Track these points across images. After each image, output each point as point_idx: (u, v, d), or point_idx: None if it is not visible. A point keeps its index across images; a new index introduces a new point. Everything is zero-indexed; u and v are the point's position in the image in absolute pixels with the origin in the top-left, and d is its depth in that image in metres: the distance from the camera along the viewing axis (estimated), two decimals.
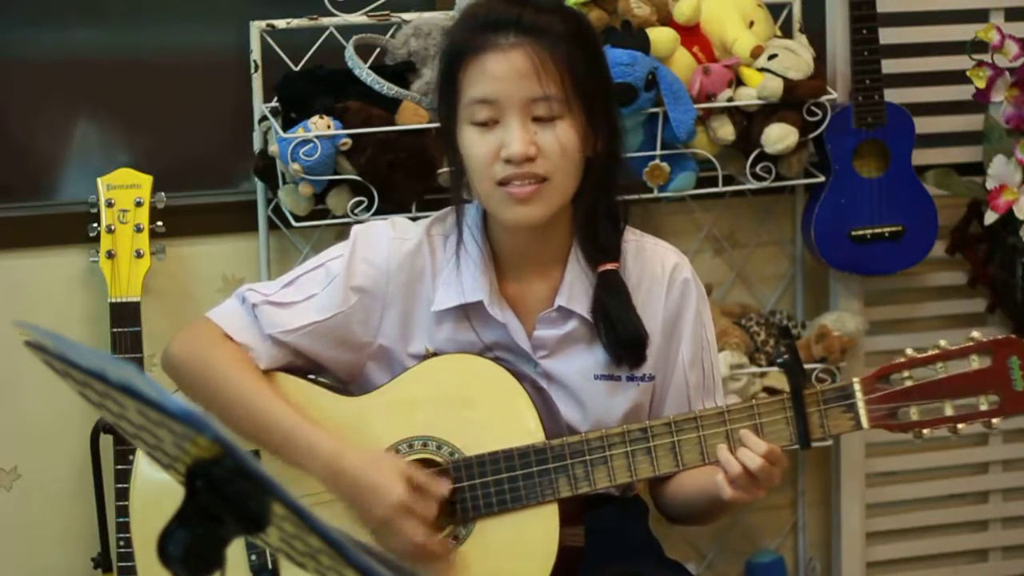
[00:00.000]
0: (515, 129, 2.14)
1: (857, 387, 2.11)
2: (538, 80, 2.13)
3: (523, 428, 2.19)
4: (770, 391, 3.23)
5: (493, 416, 2.21)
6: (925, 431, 2.11)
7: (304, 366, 2.30)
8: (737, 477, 2.09)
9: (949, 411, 2.11)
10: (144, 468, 2.34)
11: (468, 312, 2.26)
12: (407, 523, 2.12)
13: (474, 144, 2.17)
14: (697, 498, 2.26)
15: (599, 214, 2.25)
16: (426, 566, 2.17)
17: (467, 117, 2.17)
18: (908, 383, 2.10)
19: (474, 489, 2.19)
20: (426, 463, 2.22)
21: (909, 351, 2.12)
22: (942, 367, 2.10)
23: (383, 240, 2.28)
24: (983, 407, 2.11)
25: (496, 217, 2.23)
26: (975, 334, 2.12)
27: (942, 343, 2.12)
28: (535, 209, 2.18)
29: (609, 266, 2.26)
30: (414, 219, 2.38)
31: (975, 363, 2.10)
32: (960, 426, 2.11)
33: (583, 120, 2.17)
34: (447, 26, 2.25)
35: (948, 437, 3.51)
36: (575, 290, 2.26)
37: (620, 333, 2.24)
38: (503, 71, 2.13)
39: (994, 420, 2.11)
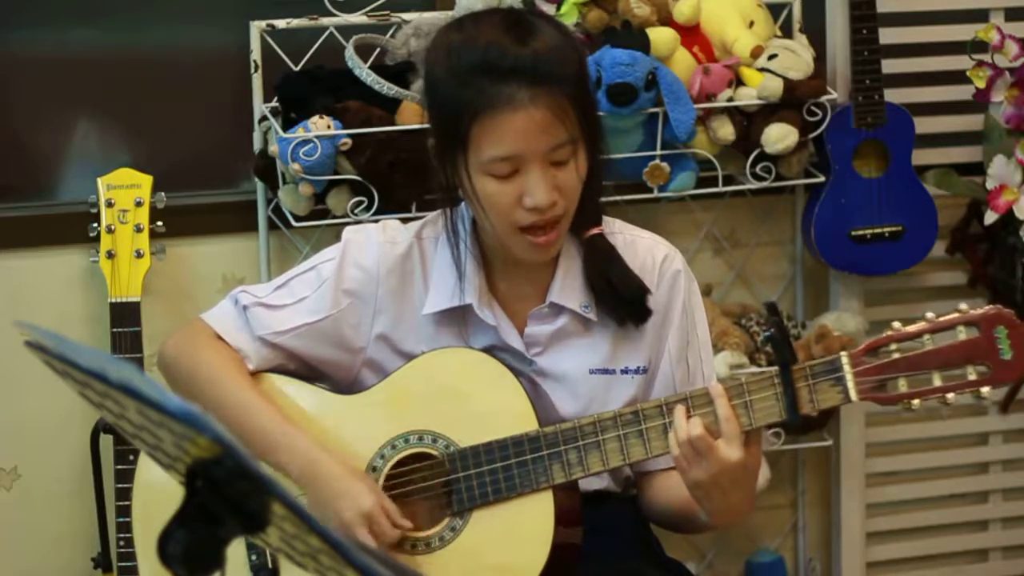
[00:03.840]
0: (539, 180, 2.11)
1: (845, 360, 2.10)
2: (557, 130, 2.10)
3: (517, 418, 2.20)
4: None
5: (487, 408, 2.22)
6: (914, 402, 2.10)
7: (297, 370, 2.31)
8: (682, 442, 2.08)
9: (938, 382, 2.11)
10: (145, 468, 2.35)
11: (460, 315, 2.26)
12: (365, 534, 2.13)
13: (494, 194, 2.14)
14: (678, 507, 2.25)
15: (584, 191, 2.24)
16: None
17: (484, 170, 2.13)
18: (896, 355, 2.10)
19: (469, 479, 2.20)
20: (421, 456, 2.23)
21: (896, 324, 2.11)
22: (929, 339, 2.10)
23: (373, 244, 2.28)
24: (972, 377, 2.11)
25: (509, 251, 2.22)
26: (962, 306, 2.12)
27: (929, 315, 2.12)
28: (555, 247, 2.20)
29: (594, 231, 2.27)
30: (413, 219, 2.38)
31: (962, 334, 2.10)
32: (949, 396, 2.10)
33: (589, 139, 2.17)
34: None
35: (948, 437, 3.58)
36: (567, 285, 2.26)
37: (620, 288, 2.24)
38: (525, 128, 2.09)
39: (983, 389, 2.11)
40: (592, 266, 2.25)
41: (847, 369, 2.10)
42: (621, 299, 2.25)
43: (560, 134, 2.11)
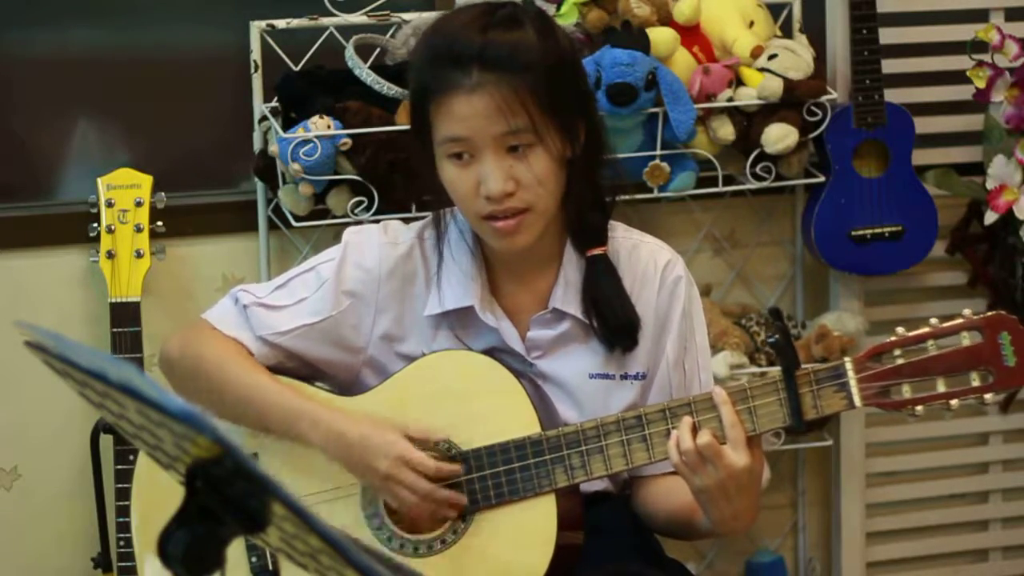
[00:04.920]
0: (490, 167, 2.12)
1: (849, 366, 2.10)
2: (504, 117, 2.10)
3: (520, 422, 2.20)
4: None
5: (490, 411, 2.21)
6: (918, 408, 2.10)
7: (296, 368, 2.31)
8: (686, 451, 2.08)
9: (941, 388, 2.10)
10: (145, 468, 2.35)
11: (461, 317, 2.26)
12: (408, 475, 2.14)
13: (454, 180, 2.16)
14: (677, 512, 2.25)
15: (585, 204, 2.24)
16: (439, 516, 2.20)
17: (443, 151, 2.16)
18: (900, 361, 2.10)
19: (471, 483, 2.20)
20: None
21: (900, 330, 2.11)
22: (933, 345, 2.10)
23: (374, 245, 2.28)
24: (975, 383, 2.11)
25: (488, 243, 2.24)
26: (966, 311, 2.12)
27: (933, 321, 2.12)
28: (521, 238, 2.18)
29: (597, 251, 2.26)
30: (413, 219, 2.38)
31: (966, 340, 2.10)
32: (953, 402, 2.10)
33: (558, 136, 2.15)
34: (414, 43, 2.23)
35: (948, 437, 3.58)
36: (569, 290, 2.26)
37: (609, 318, 2.24)
38: (469, 113, 2.11)
39: (987, 396, 2.11)
40: (588, 288, 2.25)
41: (851, 375, 2.10)
42: (608, 325, 2.25)
43: (507, 123, 2.11)
